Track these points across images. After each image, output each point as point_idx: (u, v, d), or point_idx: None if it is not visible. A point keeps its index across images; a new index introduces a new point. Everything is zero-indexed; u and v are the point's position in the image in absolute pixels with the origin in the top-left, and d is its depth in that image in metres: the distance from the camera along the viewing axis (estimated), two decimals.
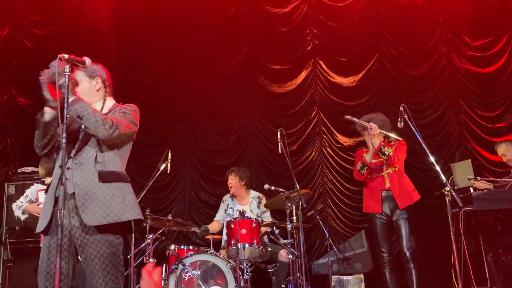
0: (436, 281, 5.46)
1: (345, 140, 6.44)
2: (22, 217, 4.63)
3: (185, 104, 6.90)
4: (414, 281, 4.35)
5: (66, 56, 2.44)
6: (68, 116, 2.46)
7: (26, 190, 4.83)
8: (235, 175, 5.33)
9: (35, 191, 4.65)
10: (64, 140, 2.34)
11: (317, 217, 5.25)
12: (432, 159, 3.76)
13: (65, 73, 2.42)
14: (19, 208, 4.60)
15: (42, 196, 4.55)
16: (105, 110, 2.76)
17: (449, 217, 3.76)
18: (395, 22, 6.69)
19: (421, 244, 5.55)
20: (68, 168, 2.53)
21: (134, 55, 7.00)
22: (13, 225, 5.41)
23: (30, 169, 5.87)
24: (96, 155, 2.58)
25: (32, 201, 4.63)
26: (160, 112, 6.86)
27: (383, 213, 4.47)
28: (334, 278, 5.12)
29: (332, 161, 6.47)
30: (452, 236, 3.75)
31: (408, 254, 4.34)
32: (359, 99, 6.55)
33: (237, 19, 6.93)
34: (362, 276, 5.15)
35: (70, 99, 2.46)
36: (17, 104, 6.91)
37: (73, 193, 2.50)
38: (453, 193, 3.71)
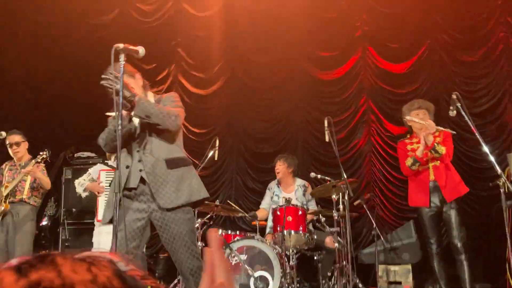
0: (488, 275, 5.30)
1: (394, 129, 6.31)
2: (83, 195, 4.85)
3: (232, 92, 6.98)
4: (466, 273, 4.19)
5: (121, 45, 2.53)
6: (136, 115, 2.72)
7: (89, 169, 5.05)
8: (284, 161, 5.37)
9: (98, 170, 4.87)
10: (119, 132, 2.47)
11: (364, 206, 5.20)
12: (486, 149, 3.63)
13: (120, 62, 2.53)
14: (81, 185, 4.81)
15: (103, 176, 4.79)
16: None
17: (504, 210, 3.63)
18: (448, 6, 6.43)
19: (473, 237, 5.39)
20: (139, 161, 2.82)
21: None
22: (71, 207, 5.70)
23: (85, 154, 6.14)
24: (160, 145, 2.84)
25: (94, 180, 4.85)
26: (208, 100, 6.97)
27: (432, 203, 4.35)
28: (381, 267, 5.08)
29: (380, 150, 6.37)
30: (507, 229, 3.62)
31: (459, 245, 4.20)
32: (409, 86, 6.38)
33: (285, 6, 6.89)
34: (409, 266, 5.07)
35: (135, 101, 2.69)
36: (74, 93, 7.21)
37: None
38: (509, 185, 3.58)
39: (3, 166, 5.06)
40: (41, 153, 4.74)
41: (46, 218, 6.21)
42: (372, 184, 6.31)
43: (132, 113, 2.76)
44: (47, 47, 7.32)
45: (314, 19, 6.84)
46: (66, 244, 5.45)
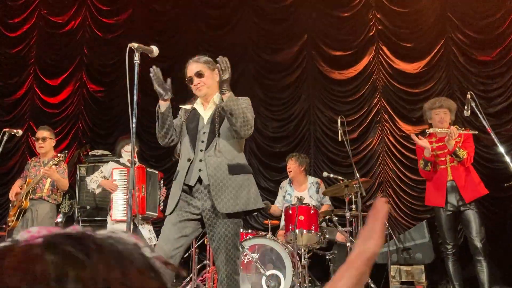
0: (506, 278, 5.23)
1: (407, 128, 6.27)
2: (97, 191, 4.85)
3: (245, 91, 6.98)
4: (486, 274, 4.15)
5: (136, 45, 2.54)
6: (223, 107, 2.75)
7: (101, 166, 5.05)
8: (295, 160, 5.35)
9: (110, 169, 4.86)
10: (134, 126, 2.46)
11: None
12: (501, 149, 3.59)
13: (135, 61, 2.54)
14: (95, 182, 4.81)
15: (116, 174, 4.79)
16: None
17: None
18: (463, 5, 6.37)
19: (489, 238, 5.33)
20: (200, 160, 2.84)
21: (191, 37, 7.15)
22: (85, 204, 5.76)
23: (100, 151, 6.20)
24: (226, 148, 2.85)
25: (106, 177, 4.85)
26: None
27: (449, 204, 4.31)
28: (393, 268, 5.05)
29: (394, 150, 6.33)
30: None
31: (479, 246, 4.15)
32: (423, 86, 6.34)
33: (297, 6, 6.90)
34: (422, 267, 5.04)
35: (227, 95, 2.74)
36: (88, 91, 7.31)
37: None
38: None
39: (30, 161, 5.07)
40: (58, 155, 4.75)
41: (61, 215, 6.29)
42: (385, 184, 6.28)
43: (220, 104, 2.79)
44: (58, 46, 7.42)
45: (328, 18, 6.83)
46: None
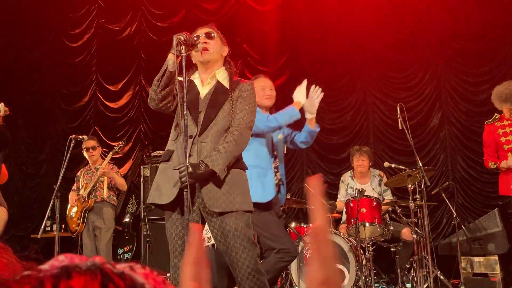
0: None
1: (472, 111, 5.95)
2: None
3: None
4: None
5: (183, 37, 2.35)
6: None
7: None
8: (368, 156, 5.07)
9: None
10: (185, 118, 2.27)
11: (443, 194, 4.97)
12: None
13: (182, 54, 2.32)
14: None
15: None
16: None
17: None
18: None
19: None
20: (193, 144, 2.43)
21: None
22: (150, 204, 5.98)
23: (161, 152, 6.38)
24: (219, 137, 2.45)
25: None
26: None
27: None
28: (464, 259, 4.83)
29: (459, 134, 6.03)
30: None
31: None
32: (485, 65, 5.97)
33: None
34: (496, 257, 4.77)
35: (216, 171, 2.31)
36: (147, 94, 7.52)
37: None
38: None
39: (79, 173, 5.47)
40: (116, 144, 5.12)
41: (128, 215, 6.56)
42: (451, 171, 6.00)
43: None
44: (117, 52, 7.70)
45: (382, 3, 6.59)
46: (148, 239, 5.72)
